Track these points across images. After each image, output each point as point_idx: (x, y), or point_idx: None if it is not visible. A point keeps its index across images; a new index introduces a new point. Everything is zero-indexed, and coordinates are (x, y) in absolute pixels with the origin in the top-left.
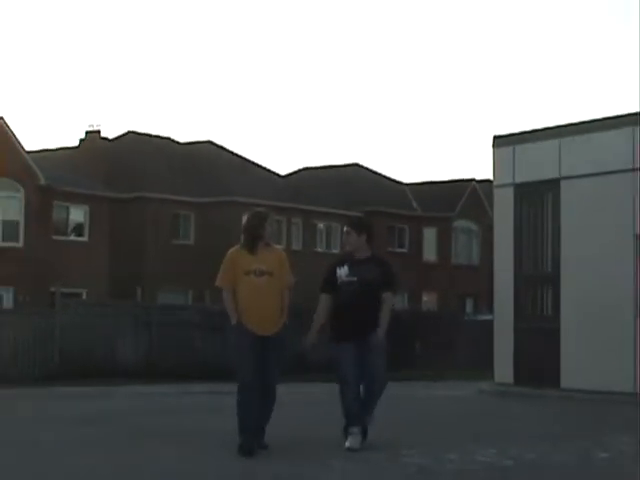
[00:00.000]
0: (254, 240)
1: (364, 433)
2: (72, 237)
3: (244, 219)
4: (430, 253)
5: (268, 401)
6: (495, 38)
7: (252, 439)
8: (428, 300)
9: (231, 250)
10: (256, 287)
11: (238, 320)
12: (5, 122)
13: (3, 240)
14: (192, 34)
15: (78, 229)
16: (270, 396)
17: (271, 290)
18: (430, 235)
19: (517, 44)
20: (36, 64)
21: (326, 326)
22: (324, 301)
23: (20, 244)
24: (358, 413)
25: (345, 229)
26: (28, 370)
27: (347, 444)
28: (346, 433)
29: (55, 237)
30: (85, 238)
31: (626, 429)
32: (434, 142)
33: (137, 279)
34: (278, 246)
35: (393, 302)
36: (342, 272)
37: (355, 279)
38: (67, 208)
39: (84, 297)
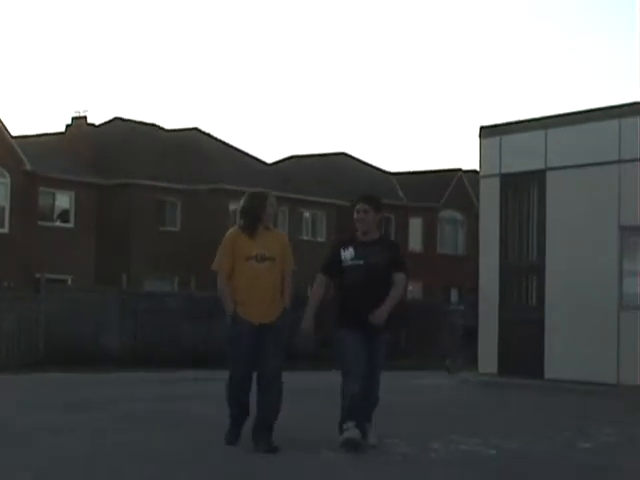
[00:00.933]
0: (254, 223)
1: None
2: (58, 223)
3: (242, 200)
4: (416, 243)
5: (271, 395)
6: (482, 28)
7: (237, 429)
8: (413, 289)
9: (230, 231)
10: (257, 274)
11: (235, 310)
12: None
13: None
14: (180, 21)
15: (64, 215)
16: (272, 389)
17: (272, 277)
18: (416, 225)
19: (504, 34)
20: (23, 49)
21: (327, 312)
22: (321, 283)
23: (5, 230)
24: (358, 408)
25: (360, 206)
26: (13, 356)
27: (342, 438)
28: (341, 429)
29: (41, 223)
30: (71, 224)
31: (609, 420)
32: (421, 132)
33: (123, 266)
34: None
35: (404, 285)
36: (347, 255)
37: (362, 263)
38: (53, 194)
39: (69, 283)
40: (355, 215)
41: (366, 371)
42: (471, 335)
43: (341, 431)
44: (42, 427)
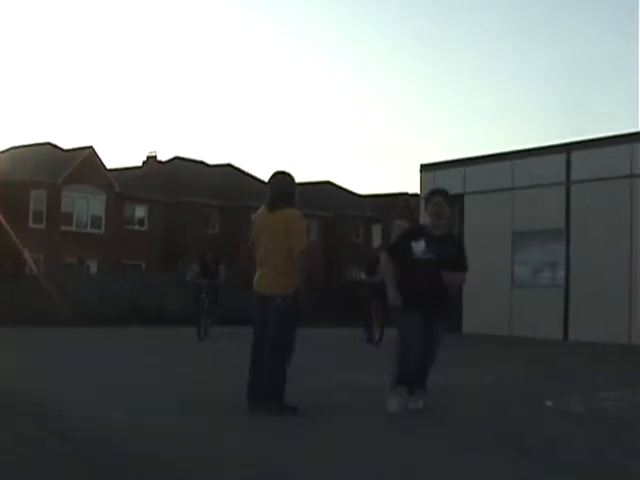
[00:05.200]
0: (274, 199)
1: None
2: (137, 227)
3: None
4: (377, 242)
5: (268, 362)
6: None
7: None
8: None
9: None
10: (264, 244)
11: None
12: (94, 149)
13: (91, 228)
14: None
15: (141, 222)
16: (268, 365)
17: (271, 245)
18: (377, 230)
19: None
20: (111, 98)
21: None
22: (392, 265)
23: (102, 231)
24: (411, 376)
25: (438, 199)
26: (108, 316)
27: (391, 406)
28: (392, 391)
29: (126, 227)
30: (145, 228)
31: (506, 361)
32: (384, 164)
33: (180, 256)
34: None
35: (464, 281)
36: (418, 247)
37: (433, 257)
38: (133, 207)
39: (143, 267)
40: (431, 208)
41: (421, 349)
42: None
43: (391, 391)
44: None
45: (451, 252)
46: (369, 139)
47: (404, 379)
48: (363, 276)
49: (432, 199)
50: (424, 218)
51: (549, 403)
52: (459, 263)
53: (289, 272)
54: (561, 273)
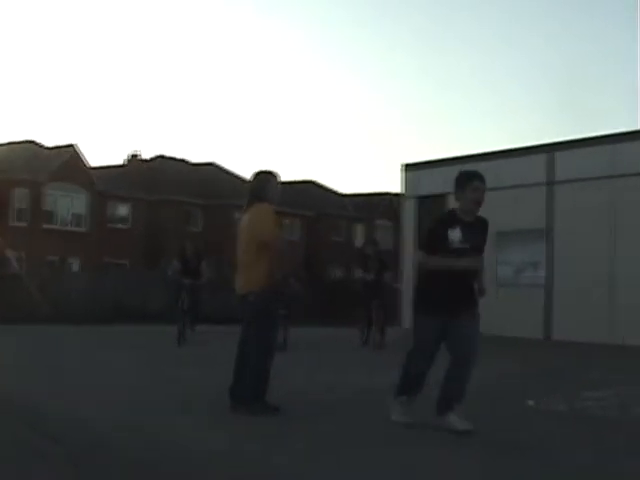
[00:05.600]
0: (248, 199)
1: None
2: (119, 225)
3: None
4: (359, 242)
5: (242, 362)
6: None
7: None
8: (358, 273)
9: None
10: (240, 244)
11: None
12: (76, 147)
13: (73, 226)
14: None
15: (123, 220)
16: (247, 365)
17: (242, 246)
18: (360, 229)
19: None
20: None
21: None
22: (436, 258)
23: (84, 229)
24: (415, 386)
25: (480, 184)
26: (91, 313)
27: (394, 416)
28: (397, 399)
29: (108, 225)
30: (128, 226)
31: (488, 360)
32: (367, 163)
33: (162, 253)
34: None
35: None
36: (455, 236)
37: (468, 247)
38: (116, 205)
39: (126, 265)
40: (471, 194)
41: (452, 358)
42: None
43: (396, 399)
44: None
45: (480, 239)
46: (352, 138)
47: (404, 389)
48: (361, 273)
49: (471, 184)
50: (405, 216)
51: (531, 402)
52: (480, 247)
53: (259, 267)
54: (542, 273)
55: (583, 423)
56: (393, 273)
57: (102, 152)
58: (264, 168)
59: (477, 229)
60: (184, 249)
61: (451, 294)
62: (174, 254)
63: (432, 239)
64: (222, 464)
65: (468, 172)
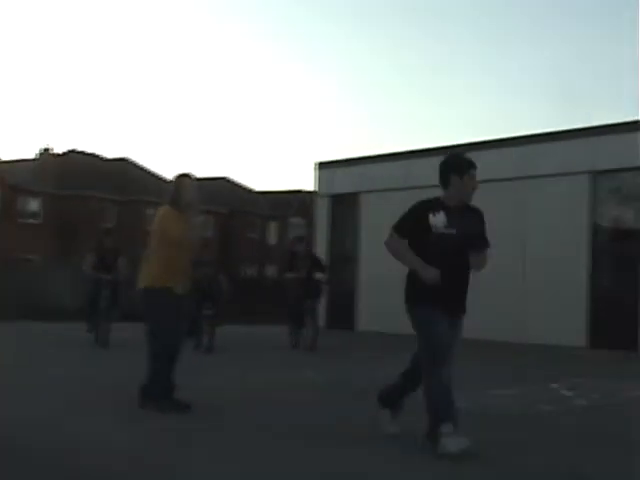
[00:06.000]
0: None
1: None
2: (30, 220)
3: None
4: (272, 239)
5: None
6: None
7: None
8: (270, 271)
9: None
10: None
11: None
12: None
13: None
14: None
15: (34, 215)
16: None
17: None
18: (273, 226)
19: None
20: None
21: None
22: (407, 247)
23: None
24: (453, 402)
25: (474, 172)
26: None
27: (445, 449)
28: (434, 436)
29: (19, 220)
30: (39, 221)
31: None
32: (281, 160)
33: (75, 248)
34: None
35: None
36: (438, 221)
37: (454, 232)
38: (27, 200)
39: (37, 261)
40: (469, 181)
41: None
42: None
43: (435, 438)
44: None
45: (477, 228)
46: (267, 136)
47: (445, 414)
48: (288, 274)
49: (470, 172)
50: (318, 214)
51: None
52: (483, 239)
53: (150, 266)
54: None
55: (487, 420)
56: (326, 272)
57: (13, 146)
58: (181, 170)
59: (469, 218)
60: (101, 242)
61: (450, 282)
62: (89, 250)
63: (410, 223)
64: (124, 462)
65: (465, 158)
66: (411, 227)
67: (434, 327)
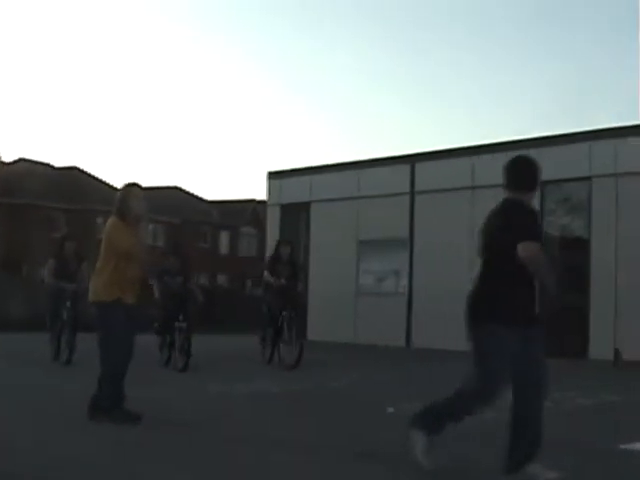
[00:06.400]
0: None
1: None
2: None
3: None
4: (224, 249)
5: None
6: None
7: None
8: (221, 280)
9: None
10: None
11: None
12: None
13: None
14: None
15: None
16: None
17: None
18: (225, 236)
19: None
20: None
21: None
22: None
23: None
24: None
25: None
26: None
27: (425, 461)
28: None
29: None
30: None
31: (350, 368)
32: (233, 170)
33: (24, 258)
34: None
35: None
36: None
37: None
38: None
39: None
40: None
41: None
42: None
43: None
44: None
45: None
46: (218, 145)
47: (441, 429)
48: (269, 278)
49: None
50: (269, 223)
51: (391, 409)
52: None
53: (100, 279)
54: (404, 282)
55: None
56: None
57: None
58: (130, 179)
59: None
60: (62, 247)
61: (530, 294)
62: (51, 254)
63: (537, 225)
64: (76, 472)
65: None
66: (540, 235)
67: (504, 352)
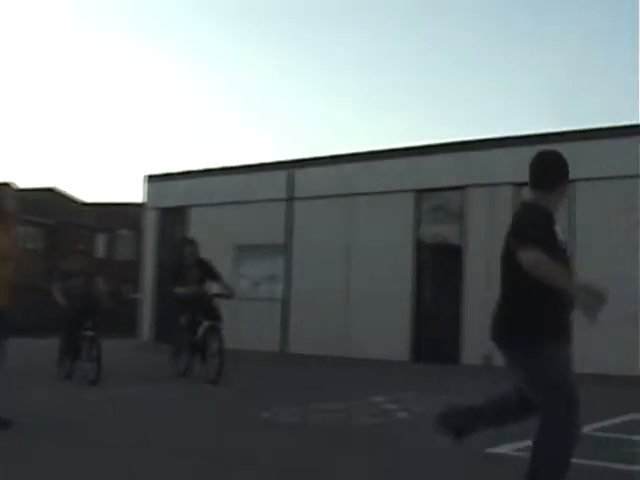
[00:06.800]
0: None
1: None
2: None
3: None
4: (101, 252)
5: None
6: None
7: None
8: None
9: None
10: None
11: None
12: None
13: None
14: None
15: None
16: None
17: None
18: (101, 239)
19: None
20: None
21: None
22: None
23: None
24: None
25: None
26: None
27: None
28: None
29: None
30: None
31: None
32: (111, 173)
33: None
34: None
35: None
36: (559, 233)
37: (565, 247)
38: None
39: None
40: (564, 195)
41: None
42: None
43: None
44: None
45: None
46: (96, 146)
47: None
48: (178, 289)
49: (568, 178)
50: (147, 226)
51: (266, 415)
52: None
53: None
54: (280, 287)
55: (313, 433)
56: (222, 280)
57: None
58: (3, 179)
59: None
60: (68, 263)
61: (567, 311)
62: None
63: (541, 229)
64: None
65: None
66: (551, 241)
67: (565, 369)
